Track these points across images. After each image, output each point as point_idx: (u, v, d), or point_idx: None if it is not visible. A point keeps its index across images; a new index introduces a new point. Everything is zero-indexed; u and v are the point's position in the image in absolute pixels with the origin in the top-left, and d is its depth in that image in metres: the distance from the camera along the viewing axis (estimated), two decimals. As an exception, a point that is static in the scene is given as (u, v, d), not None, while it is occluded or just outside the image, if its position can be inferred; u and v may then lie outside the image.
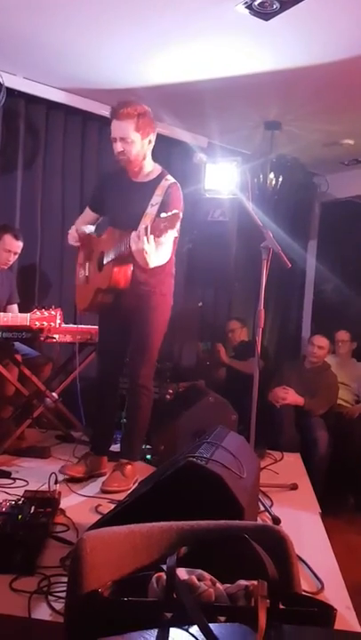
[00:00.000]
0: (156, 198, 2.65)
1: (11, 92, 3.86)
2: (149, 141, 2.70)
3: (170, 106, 4.10)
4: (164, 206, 2.58)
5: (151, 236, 2.38)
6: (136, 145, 2.65)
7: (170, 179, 2.74)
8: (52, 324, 2.31)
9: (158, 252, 2.53)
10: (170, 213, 2.33)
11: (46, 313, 2.31)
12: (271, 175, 4.55)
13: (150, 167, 2.78)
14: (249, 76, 3.65)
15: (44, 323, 2.30)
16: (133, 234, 2.43)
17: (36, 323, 2.29)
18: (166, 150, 4.48)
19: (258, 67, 3.54)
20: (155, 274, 2.70)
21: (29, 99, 4.10)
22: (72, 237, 2.95)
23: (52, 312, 2.33)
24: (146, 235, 2.37)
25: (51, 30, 3.28)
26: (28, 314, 2.32)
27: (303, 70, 3.51)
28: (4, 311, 3.57)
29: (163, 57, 3.52)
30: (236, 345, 4.86)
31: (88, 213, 3.01)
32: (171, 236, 2.57)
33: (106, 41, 3.36)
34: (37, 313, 2.32)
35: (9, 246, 3.52)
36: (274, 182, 4.57)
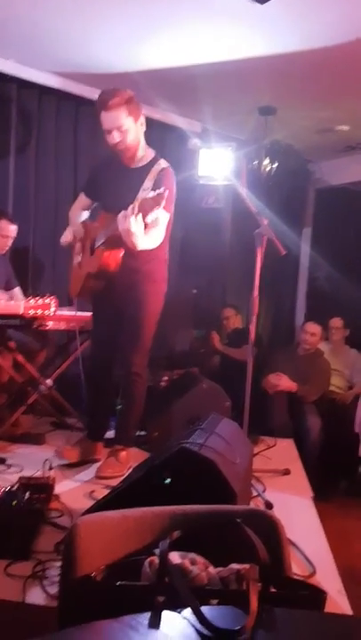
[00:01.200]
0: (148, 183, 2.63)
1: (2, 77, 3.81)
2: (141, 124, 2.68)
3: (164, 90, 4.07)
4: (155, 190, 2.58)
5: (139, 216, 2.36)
6: (131, 131, 2.63)
7: (163, 163, 2.73)
8: (46, 312, 2.28)
9: (149, 234, 2.52)
10: (156, 192, 2.32)
11: (40, 301, 2.28)
12: (266, 161, 4.53)
13: (143, 152, 2.77)
14: (243, 60, 3.62)
15: (39, 311, 2.27)
16: (121, 214, 2.42)
17: (30, 311, 2.26)
18: (160, 136, 4.44)
19: (252, 51, 3.51)
20: (147, 260, 2.69)
21: (22, 83, 4.05)
22: (65, 239, 2.95)
23: (47, 300, 2.30)
24: (133, 214, 2.35)
25: (44, 13, 3.23)
26: (22, 302, 2.30)
27: (298, 55, 3.48)
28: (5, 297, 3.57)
29: (157, 41, 3.48)
30: (230, 332, 4.87)
31: (82, 199, 3.00)
32: (161, 218, 2.56)
33: (100, 24, 3.32)
34: (31, 301, 2.29)
35: (6, 231, 3.51)
36: (268, 168, 4.55)
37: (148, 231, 2.51)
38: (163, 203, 2.31)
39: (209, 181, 3.84)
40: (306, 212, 5.83)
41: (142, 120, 2.68)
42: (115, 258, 2.65)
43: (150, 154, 2.78)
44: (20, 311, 2.28)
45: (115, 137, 2.61)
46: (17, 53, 3.82)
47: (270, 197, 4.71)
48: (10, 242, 3.60)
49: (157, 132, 4.31)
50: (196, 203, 4.14)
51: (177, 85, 4.04)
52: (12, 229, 3.54)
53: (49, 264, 4.33)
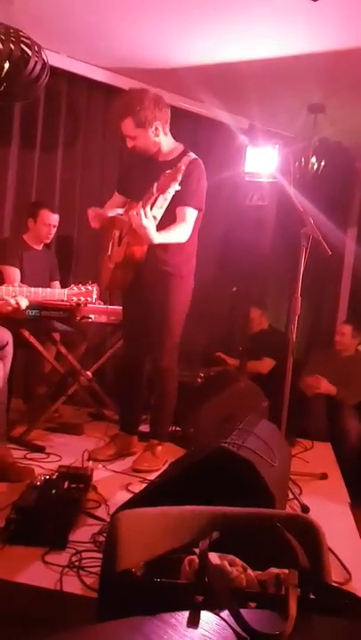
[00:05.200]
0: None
1: (53, 71, 3.85)
2: (156, 128, 2.66)
3: (211, 86, 4.04)
4: (183, 181, 2.59)
5: (149, 211, 2.42)
6: (141, 139, 2.67)
7: (191, 155, 2.72)
8: (88, 298, 2.36)
9: (173, 229, 2.58)
10: (173, 169, 2.42)
11: (83, 288, 2.36)
12: (313, 159, 4.45)
13: (170, 146, 2.77)
14: (293, 57, 3.56)
15: (82, 298, 2.35)
16: (132, 211, 2.45)
17: (73, 298, 2.34)
18: (208, 132, 4.43)
19: (303, 48, 3.45)
20: (175, 253, 2.70)
21: (71, 77, 4.10)
22: (93, 218, 2.88)
23: (89, 287, 2.37)
24: (144, 209, 2.40)
25: (96, 8, 3.26)
26: (66, 289, 2.37)
27: (349, 53, 3.40)
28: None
29: (206, 37, 3.46)
30: (255, 335, 4.60)
31: (116, 197, 3.00)
32: (189, 214, 2.62)
33: (150, 20, 3.32)
34: (74, 288, 2.37)
35: (48, 220, 3.56)
36: (315, 167, 4.47)
37: (171, 226, 2.56)
38: (179, 177, 2.42)
39: (255, 179, 3.81)
40: (352, 212, 5.70)
41: (157, 124, 2.65)
42: (139, 246, 2.66)
43: (179, 148, 2.78)
44: (64, 298, 2.35)
45: (128, 143, 2.71)
46: (67, 47, 3.87)
47: (316, 196, 4.62)
48: (52, 231, 3.64)
49: (205, 129, 4.30)
50: (241, 200, 4.10)
51: (225, 82, 4.01)
52: (54, 218, 3.59)
53: (92, 257, 4.37)
